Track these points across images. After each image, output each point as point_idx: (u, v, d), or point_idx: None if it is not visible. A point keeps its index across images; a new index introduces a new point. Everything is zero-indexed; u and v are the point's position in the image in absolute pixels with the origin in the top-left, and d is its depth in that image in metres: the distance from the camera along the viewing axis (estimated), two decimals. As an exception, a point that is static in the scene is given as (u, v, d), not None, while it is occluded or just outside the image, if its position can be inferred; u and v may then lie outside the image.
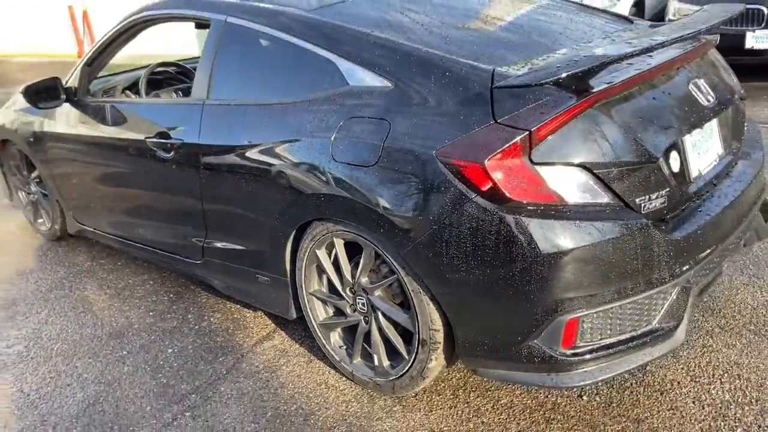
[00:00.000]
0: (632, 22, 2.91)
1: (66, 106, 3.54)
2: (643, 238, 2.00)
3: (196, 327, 3.14)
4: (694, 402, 2.29)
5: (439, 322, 2.20)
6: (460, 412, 2.37)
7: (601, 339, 2.05)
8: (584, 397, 2.37)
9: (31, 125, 3.85)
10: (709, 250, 2.17)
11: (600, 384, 2.42)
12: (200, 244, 2.99)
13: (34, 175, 4.21)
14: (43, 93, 3.44)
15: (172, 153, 2.88)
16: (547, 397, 2.39)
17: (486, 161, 1.93)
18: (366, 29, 2.40)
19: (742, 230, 2.41)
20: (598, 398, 2.36)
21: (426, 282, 2.14)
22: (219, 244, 2.90)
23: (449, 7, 2.76)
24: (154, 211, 3.20)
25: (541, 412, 2.32)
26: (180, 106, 2.98)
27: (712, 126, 2.42)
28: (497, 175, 1.93)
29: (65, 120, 3.57)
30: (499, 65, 2.15)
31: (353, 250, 2.42)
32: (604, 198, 2.00)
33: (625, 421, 2.23)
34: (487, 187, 1.94)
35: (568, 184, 1.97)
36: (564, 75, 1.87)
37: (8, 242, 4.40)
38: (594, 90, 1.98)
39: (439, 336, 2.22)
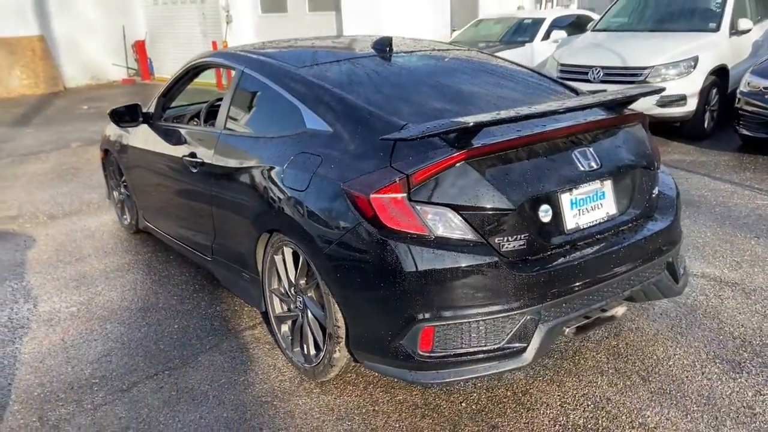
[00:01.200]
0: (577, 93, 3.32)
1: (143, 126, 4.47)
2: (494, 271, 2.45)
3: (203, 312, 3.87)
4: (550, 421, 2.65)
5: (342, 320, 2.75)
6: (361, 400, 2.88)
7: (454, 348, 2.50)
8: (463, 404, 2.80)
9: (121, 139, 4.85)
10: (563, 292, 2.56)
11: (461, 385, 2.85)
12: (210, 244, 3.73)
13: (123, 179, 5.22)
14: (126, 115, 4.39)
15: (197, 169, 3.66)
16: (434, 399, 2.85)
17: (371, 195, 2.49)
18: (328, 85, 3.04)
19: (621, 282, 2.75)
20: (474, 405, 2.78)
21: (330, 286, 2.71)
22: (221, 245, 3.62)
23: (412, 72, 3.33)
24: (185, 215, 4.00)
25: (422, 410, 2.78)
26: (207, 133, 3.76)
27: (604, 188, 2.79)
28: (378, 207, 2.48)
29: (140, 137, 4.51)
30: (416, 121, 2.71)
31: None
32: (468, 235, 2.48)
33: (483, 425, 2.64)
34: (371, 215, 2.50)
35: (437, 220, 2.47)
36: (429, 134, 2.39)
37: (99, 231, 5.44)
38: (468, 147, 2.48)
39: (341, 332, 2.77)
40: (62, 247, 5.10)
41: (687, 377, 2.90)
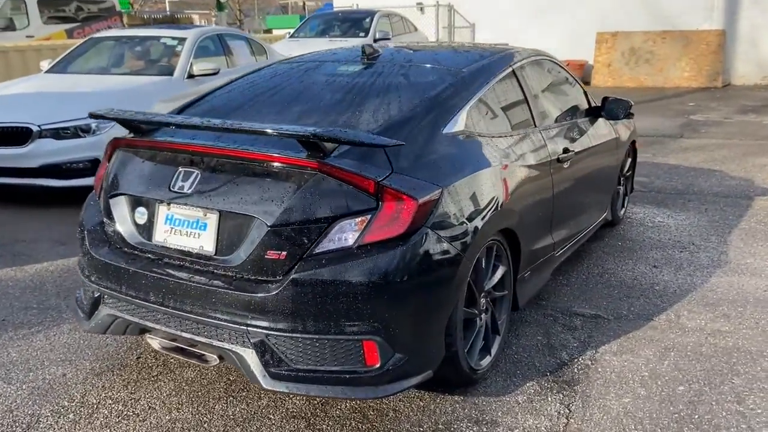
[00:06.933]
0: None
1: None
2: (83, 243, 2.89)
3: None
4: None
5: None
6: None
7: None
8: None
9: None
10: (121, 290, 2.71)
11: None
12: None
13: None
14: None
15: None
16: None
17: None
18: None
19: (182, 321, 2.56)
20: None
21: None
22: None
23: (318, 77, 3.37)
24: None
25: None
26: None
27: (207, 221, 2.55)
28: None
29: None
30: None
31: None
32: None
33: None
34: None
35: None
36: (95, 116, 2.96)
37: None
38: (123, 136, 2.91)
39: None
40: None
41: None
